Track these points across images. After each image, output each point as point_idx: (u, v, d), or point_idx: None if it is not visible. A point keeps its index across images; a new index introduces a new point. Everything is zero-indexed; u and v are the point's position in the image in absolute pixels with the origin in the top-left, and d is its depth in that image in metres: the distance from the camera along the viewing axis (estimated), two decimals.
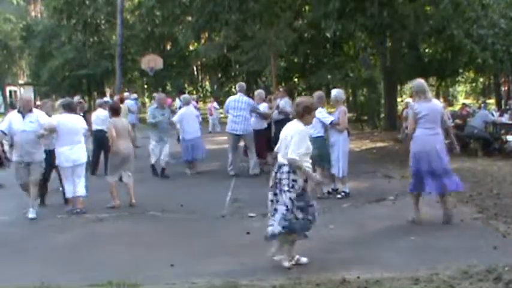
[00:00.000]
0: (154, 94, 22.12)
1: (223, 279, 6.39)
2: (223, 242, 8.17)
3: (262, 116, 14.57)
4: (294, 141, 6.60)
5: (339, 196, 10.88)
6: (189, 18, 34.51)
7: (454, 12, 16.50)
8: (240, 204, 10.69)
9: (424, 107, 8.49)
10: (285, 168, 6.69)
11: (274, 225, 6.78)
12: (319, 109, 10.30)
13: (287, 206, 6.69)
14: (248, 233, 8.57)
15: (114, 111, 11.54)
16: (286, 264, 6.82)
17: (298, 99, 7.15)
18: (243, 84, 14.91)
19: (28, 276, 6.86)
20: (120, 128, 11.05)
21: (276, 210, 6.83)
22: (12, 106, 19.58)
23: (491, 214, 9.01)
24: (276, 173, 6.83)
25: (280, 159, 6.80)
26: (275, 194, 6.85)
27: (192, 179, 14.01)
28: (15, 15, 48.07)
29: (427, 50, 25.96)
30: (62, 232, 9.06)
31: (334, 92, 11.20)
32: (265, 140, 14.56)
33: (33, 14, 53.72)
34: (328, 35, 20.24)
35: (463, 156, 14.48)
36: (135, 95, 30.11)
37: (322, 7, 18.90)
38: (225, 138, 15.28)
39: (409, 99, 20.05)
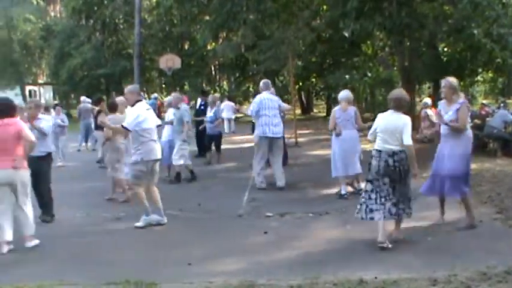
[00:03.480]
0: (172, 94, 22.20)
1: (240, 278, 6.39)
2: (241, 242, 8.18)
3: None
4: (407, 130, 7.37)
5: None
6: (207, 18, 34.57)
7: (473, 12, 16.34)
8: (257, 204, 10.68)
9: None
10: (403, 155, 7.38)
11: (405, 210, 7.62)
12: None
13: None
14: (265, 232, 8.58)
15: (113, 108, 11.86)
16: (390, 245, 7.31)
17: (396, 93, 7.80)
18: (269, 81, 13.21)
19: (47, 273, 6.92)
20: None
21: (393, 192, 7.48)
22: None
23: (510, 215, 8.94)
24: (383, 160, 7.42)
25: (390, 146, 7.41)
26: (390, 177, 7.42)
27: (209, 179, 14.01)
28: (35, 16, 48.39)
29: (445, 50, 25.78)
30: (81, 230, 9.11)
31: (346, 93, 11.24)
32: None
33: (52, 14, 54.10)
34: (346, 34, 20.10)
35: (482, 156, 14.38)
36: (155, 95, 30.20)
37: (340, 6, 18.82)
38: (242, 137, 15.18)
39: (427, 100, 19.96)
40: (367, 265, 6.72)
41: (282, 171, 12.47)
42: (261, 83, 12.98)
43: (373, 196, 7.53)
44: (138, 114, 9.05)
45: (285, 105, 13.52)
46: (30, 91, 52.85)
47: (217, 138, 16.73)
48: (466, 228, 8.18)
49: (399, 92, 7.85)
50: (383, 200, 7.47)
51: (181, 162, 13.43)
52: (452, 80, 8.56)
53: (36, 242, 8.24)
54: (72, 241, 8.51)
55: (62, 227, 9.38)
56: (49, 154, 9.91)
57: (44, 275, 6.81)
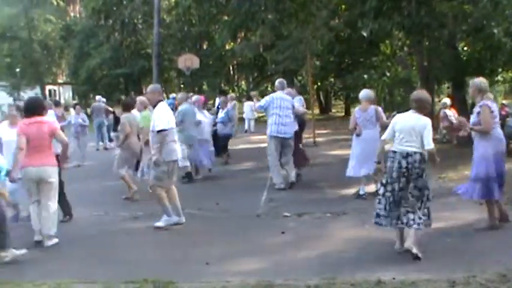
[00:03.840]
0: (191, 94, 22.23)
1: (258, 278, 6.39)
2: (258, 241, 8.18)
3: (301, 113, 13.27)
4: (429, 133, 7.13)
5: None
6: (225, 18, 34.61)
7: (493, 10, 16.22)
8: (275, 204, 10.68)
9: (495, 106, 8.28)
10: (418, 157, 7.11)
11: (422, 219, 7.16)
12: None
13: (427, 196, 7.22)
14: (283, 232, 8.58)
15: (127, 107, 11.93)
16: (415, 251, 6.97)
17: (419, 94, 7.57)
18: (284, 80, 13.10)
19: (66, 271, 6.99)
20: (132, 123, 11.62)
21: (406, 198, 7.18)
22: (56, 104, 19.88)
23: None
24: (396, 161, 7.19)
25: (406, 148, 7.16)
26: (403, 182, 7.15)
27: (227, 179, 14.04)
28: (55, 16, 48.73)
29: (465, 49, 25.61)
30: (99, 228, 9.17)
31: (366, 92, 11.20)
32: (297, 143, 13.36)
33: (72, 14, 54.41)
34: (364, 34, 20.05)
35: None
36: (173, 95, 30.26)
37: (359, 6, 18.79)
38: (260, 137, 15.14)
39: (447, 100, 19.84)
40: (385, 266, 6.69)
41: (293, 169, 12.50)
42: (277, 82, 12.97)
43: (382, 201, 7.29)
44: (165, 114, 9.03)
45: (300, 109, 13.20)
46: (50, 91, 53.26)
47: (225, 139, 16.64)
48: (486, 229, 8.11)
49: (422, 93, 7.67)
50: (392, 206, 7.19)
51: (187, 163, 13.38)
52: (477, 80, 8.46)
53: (55, 241, 8.31)
54: (90, 240, 8.56)
55: (79, 226, 9.43)
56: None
57: (63, 273, 6.87)
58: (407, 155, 7.11)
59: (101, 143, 22.26)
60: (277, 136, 12.24)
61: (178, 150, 9.38)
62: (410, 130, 7.18)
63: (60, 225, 9.47)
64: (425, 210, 7.20)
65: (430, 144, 7.10)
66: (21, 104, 11.43)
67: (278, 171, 12.41)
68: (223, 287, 6.23)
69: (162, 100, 9.32)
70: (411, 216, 7.11)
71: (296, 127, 12.60)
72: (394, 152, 7.27)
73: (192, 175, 13.61)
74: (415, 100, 7.39)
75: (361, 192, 10.94)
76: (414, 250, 6.91)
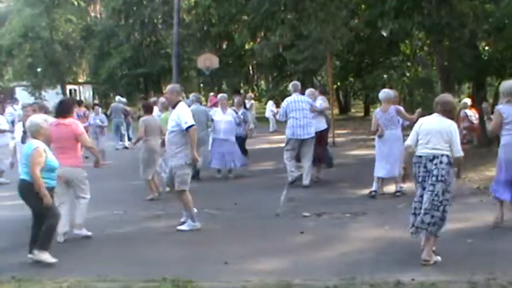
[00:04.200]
0: (210, 93, 22.32)
1: (277, 278, 6.40)
2: (277, 241, 8.18)
3: (320, 113, 13.18)
4: (456, 139, 7.00)
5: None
6: (245, 18, 34.61)
7: None
8: (295, 204, 10.68)
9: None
10: (445, 159, 6.95)
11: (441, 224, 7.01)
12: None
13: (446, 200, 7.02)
14: (302, 232, 8.58)
15: (148, 109, 11.99)
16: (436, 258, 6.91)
17: (444, 97, 7.47)
18: (298, 83, 13.37)
19: (86, 269, 7.06)
20: (153, 125, 11.59)
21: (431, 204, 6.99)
22: (78, 103, 20.08)
23: None
24: (422, 165, 7.06)
25: (431, 151, 7.00)
26: (428, 186, 7.01)
27: (246, 178, 14.06)
28: (76, 16, 49.03)
29: (486, 49, 25.40)
30: (119, 228, 9.22)
31: (385, 93, 11.17)
32: (326, 142, 13.53)
33: (92, 14, 54.72)
34: (384, 34, 19.96)
35: None
36: (193, 94, 30.33)
37: (379, 6, 18.70)
38: (282, 137, 15.10)
39: (467, 100, 19.71)
40: (405, 267, 6.66)
41: (309, 172, 12.51)
42: (290, 85, 13.21)
43: (412, 210, 7.23)
44: (189, 112, 8.91)
45: (320, 106, 13.19)
46: (70, 90, 53.61)
47: (239, 140, 16.33)
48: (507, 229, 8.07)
49: (446, 96, 7.54)
50: (417, 211, 7.09)
51: None
52: (504, 83, 8.47)
53: (85, 232, 8.56)
54: (110, 238, 8.62)
55: (99, 224, 9.48)
56: None
57: (83, 271, 6.94)
58: (433, 157, 6.97)
59: (120, 143, 22.38)
60: (297, 138, 12.40)
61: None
62: (436, 133, 7.03)
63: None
64: (444, 214, 7.03)
65: (459, 152, 6.98)
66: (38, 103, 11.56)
67: (292, 163, 12.56)
68: (242, 287, 6.24)
69: (181, 100, 9.18)
70: (426, 220, 6.97)
71: (324, 125, 13.01)
72: (420, 156, 7.11)
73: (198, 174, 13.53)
74: (440, 103, 7.26)
75: (373, 189, 11.00)
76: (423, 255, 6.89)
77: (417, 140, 7.20)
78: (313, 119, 12.65)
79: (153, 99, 17.50)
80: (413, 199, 7.27)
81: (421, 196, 7.05)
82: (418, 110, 11.32)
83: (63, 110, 8.71)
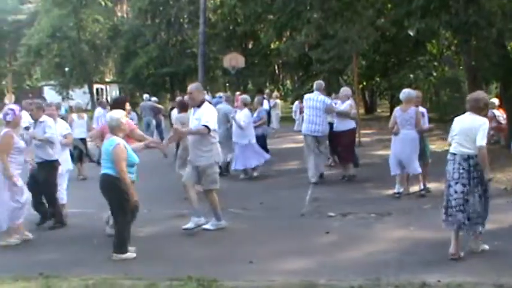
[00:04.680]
0: (237, 93, 22.36)
1: (301, 277, 6.41)
2: (302, 241, 8.18)
3: (344, 115, 13.18)
4: (482, 132, 6.94)
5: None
6: (271, 17, 34.63)
7: None
8: (320, 204, 10.67)
9: None
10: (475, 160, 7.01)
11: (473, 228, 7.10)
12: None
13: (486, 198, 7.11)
14: (327, 232, 8.57)
15: (183, 107, 11.94)
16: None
17: (474, 95, 7.47)
18: (321, 82, 13.55)
19: (112, 266, 7.15)
20: (187, 123, 11.45)
21: (467, 201, 7.08)
22: (101, 103, 20.27)
23: None
24: (457, 163, 7.13)
25: (465, 149, 7.07)
26: (464, 185, 7.08)
27: (271, 178, 14.06)
28: (103, 16, 49.46)
29: None
30: (144, 226, 9.27)
31: (406, 93, 11.11)
32: (351, 142, 13.44)
33: (119, 14, 55.13)
34: (411, 33, 19.84)
35: None
36: (220, 94, 30.44)
37: (406, 5, 18.58)
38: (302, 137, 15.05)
39: (495, 100, 19.49)
40: (430, 268, 6.63)
41: (316, 169, 12.79)
42: (315, 83, 13.40)
43: (443, 204, 7.30)
44: (215, 114, 8.88)
45: (346, 108, 13.25)
46: (97, 89, 54.13)
47: (259, 139, 16.23)
48: None
49: (478, 93, 7.54)
50: (453, 210, 7.12)
51: None
52: None
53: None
54: (135, 237, 8.68)
55: None
56: (48, 162, 9.37)
57: (109, 269, 7.03)
58: (468, 157, 7.01)
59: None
60: (306, 134, 12.81)
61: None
62: (466, 131, 7.07)
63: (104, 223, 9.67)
64: (485, 212, 7.13)
65: (480, 141, 6.90)
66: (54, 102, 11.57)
67: (312, 165, 12.73)
68: (267, 286, 6.26)
69: (205, 99, 9.15)
70: (466, 222, 7.05)
71: (347, 126, 13.05)
72: (454, 154, 7.17)
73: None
74: (471, 100, 7.27)
75: (396, 191, 10.98)
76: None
77: (453, 137, 7.31)
78: (335, 118, 13.11)
79: (178, 98, 17.55)
80: (445, 194, 7.32)
81: (456, 192, 7.12)
82: (431, 126, 11.57)
83: (117, 106, 8.86)
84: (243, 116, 13.85)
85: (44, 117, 9.43)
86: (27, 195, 8.77)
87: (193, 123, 8.90)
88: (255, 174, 14.12)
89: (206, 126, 8.57)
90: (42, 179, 9.25)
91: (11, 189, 8.36)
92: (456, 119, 7.41)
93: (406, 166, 10.83)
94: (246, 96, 14.85)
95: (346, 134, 13.05)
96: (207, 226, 8.97)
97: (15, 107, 8.88)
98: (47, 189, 9.36)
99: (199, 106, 8.87)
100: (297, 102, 30.16)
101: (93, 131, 10.08)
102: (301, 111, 28.91)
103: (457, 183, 7.09)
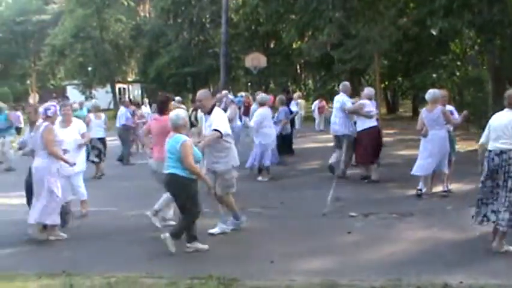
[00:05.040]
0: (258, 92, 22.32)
1: (323, 277, 6.40)
2: (324, 241, 8.17)
3: (357, 114, 13.10)
4: None
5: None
6: (293, 16, 34.64)
7: None
8: (341, 203, 10.64)
9: None
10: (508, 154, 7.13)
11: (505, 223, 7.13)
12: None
13: None
14: (349, 232, 8.55)
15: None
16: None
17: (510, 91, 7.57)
18: (346, 83, 13.72)
19: (133, 265, 7.19)
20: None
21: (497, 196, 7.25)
22: (124, 103, 20.44)
23: None
24: (490, 159, 7.29)
25: (500, 145, 7.21)
26: (495, 181, 7.25)
27: (292, 178, 14.06)
28: (126, 16, 49.76)
29: None
30: (166, 224, 9.31)
31: (431, 93, 11.04)
32: (371, 141, 13.00)
33: (142, 14, 55.47)
34: (433, 32, 19.77)
35: None
36: (242, 93, 30.51)
37: (428, 4, 18.53)
38: (327, 136, 15.10)
39: None
40: (453, 269, 6.58)
41: (337, 161, 13.49)
42: (340, 85, 13.94)
43: (478, 197, 7.47)
44: (226, 118, 8.84)
45: (351, 106, 13.22)
46: (119, 89, 54.42)
47: (281, 138, 15.90)
48: None
49: None
50: (485, 205, 7.30)
51: None
52: None
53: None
54: (157, 235, 8.72)
55: (148, 221, 9.61)
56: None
57: (130, 267, 7.08)
58: (500, 152, 7.13)
59: None
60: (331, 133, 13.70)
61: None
62: (503, 128, 7.19)
63: (128, 221, 9.74)
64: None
65: None
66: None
67: (333, 157, 13.57)
68: (288, 286, 6.26)
69: (215, 105, 9.06)
70: (499, 215, 7.15)
71: (369, 125, 12.88)
72: (490, 150, 7.32)
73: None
74: (508, 96, 7.41)
75: (419, 188, 10.92)
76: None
77: (489, 136, 7.42)
78: (358, 117, 13.12)
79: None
80: (480, 189, 7.47)
81: (492, 189, 7.26)
82: (464, 113, 11.25)
83: (162, 106, 9.21)
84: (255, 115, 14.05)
85: (40, 122, 9.09)
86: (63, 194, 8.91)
87: (207, 131, 8.76)
88: (260, 178, 13.83)
89: (217, 130, 8.45)
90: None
91: (51, 186, 8.51)
92: (494, 116, 7.52)
93: (436, 166, 10.75)
94: (263, 96, 14.76)
95: (362, 133, 12.91)
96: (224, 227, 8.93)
97: (55, 104, 9.19)
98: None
99: (209, 113, 8.71)
100: (316, 102, 30.14)
101: (145, 130, 10.08)
102: (320, 111, 29.07)
103: (489, 178, 7.26)
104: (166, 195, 8.88)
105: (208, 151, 8.71)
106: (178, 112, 8.05)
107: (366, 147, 12.84)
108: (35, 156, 8.66)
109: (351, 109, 13.11)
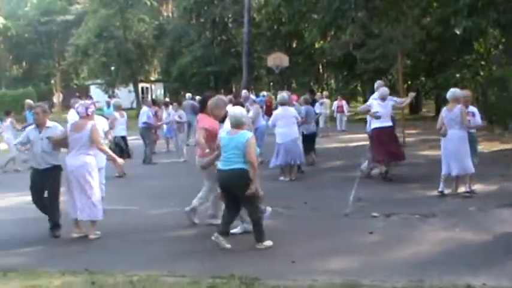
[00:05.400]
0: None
1: (344, 277, 6.39)
2: (345, 241, 8.16)
3: (367, 114, 13.49)
4: None
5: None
6: (315, 16, 34.60)
7: None
8: (363, 204, 10.61)
9: None
10: None
11: None
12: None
13: None
14: (371, 232, 8.52)
15: (237, 105, 11.93)
16: None
17: None
18: (382, 88, 13.49)
19: (156, 263, 7.25)
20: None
21: None
22: (146, 102, 20.62)
23: None
24: None
25: None
26: None
27: (315, 177, 14.04)
28: (149, 16, 50.05)
29: None
30: (185, 224, 9.34)
31: (451, 93, 10.99)
32: (384, 140, 12.99)
33: (165, 14, 55.75)
34: (457, 32, 19.65)
35: None
36: (264, 93, 30.55)
37: (452, 3, 18.42)
38: (350, 136, 15.07)
39: None
40: (476, 271, 6.53)
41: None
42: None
43: None
44: None
45: (362, 107, 13.53)
46: (142, 88, 54.74)
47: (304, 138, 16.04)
48: None
49: None
50: None
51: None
52: None
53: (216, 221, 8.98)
54: (180, 235, 8.78)
55: (169, 220, 9.68)
56: (56, 166, 9.01)
57: (152, 265, 7.14)
58: None
59: (191, 140, 22.67)
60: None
61: None
62: None
63: (148, 220, 9.80)
64: None
65: None
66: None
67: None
68: (310, 286, 6.26)
69: (227, 113, 8.71)
70: None
71: (385, 125, 12.95)
72: None
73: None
74: None
75: (440, 189, 10.91)
76: None
77: None
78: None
79: (228, 97, 17.69)
80: None
81: None
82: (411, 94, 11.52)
83: (204, 105, 9.37)
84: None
85: (49, 123, 9.11)
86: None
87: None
88: (281, 178, 13.79)
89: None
90: (51, 183, 8.98)
91: (95, 181, 8.84)
92: None
93: (456, 166, 10.70)
94: (282, 95, 14.71)
95: (372, 133, 13.15)
96: (234, 231, 8.72)
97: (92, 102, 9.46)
98: (55, 193, 9.08)
99: (223, 121, 8.73)
100: (336, 102, 30.07)
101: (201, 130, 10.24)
102: (339, 110, 29.01)
103: None
104: (204, 193, 9.09)
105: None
106: (241, 110, 8.26)
107: (377, 145, 12.93)
108: (72, 154, 8.77)
109: (361, 110, 13.34)
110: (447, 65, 29.82)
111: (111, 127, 12.55)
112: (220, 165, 8.10)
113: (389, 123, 13.00)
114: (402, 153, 13.24)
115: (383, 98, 13.05)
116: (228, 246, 7.78)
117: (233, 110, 8.28)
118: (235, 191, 7.90)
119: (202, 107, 9.47)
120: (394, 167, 13.40)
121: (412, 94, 14.24)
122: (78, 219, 8.80)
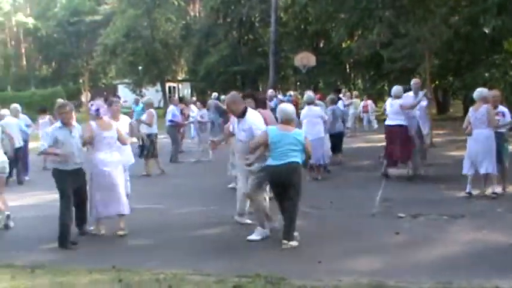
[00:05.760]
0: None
1: (370, 278, 6.37)
2: (372, 241, 8.13)
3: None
4: None
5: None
6: (342, 16, 34.44)
7: None
8: (390, 204, 10.56)
9: None
10: None
11: None
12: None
13: None
14: (397, 233, 8.48)
15: (261, 103, 11.85)
16: None
17: None
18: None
19: (181, 262, 7.30)
20: (267, 118, 11.50)
21: None
22: (173, 101, 20.74)
23: None
24: None
25: None
26: None
27: (342, 177, 14.00)
28: (176, 15, 50.30)
29: None
30: (213, 223, 9.38)
31: (478, 92, 10.91)
32: (389, 138, 13.09)
33: (192, 13, 55.97)
34: (486, 31, 19.44)
35: None
36: (291, 92, 30.53)
37: (481, 2, 18.23)
38: (378, 136, 15.00)
39: None
40: (504, 273, 6.47)
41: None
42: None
43: None
44: (260, 119, 8.74)
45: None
46: (169, 87, 55.05)
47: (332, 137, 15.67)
48: None
49: None
50: None
51: None
52: None
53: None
54: (206, 234, 8.82)
55: (195, 219, 9.73)
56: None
57: (177, 264, 7.19)
58: None
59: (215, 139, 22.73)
60: None
61: None
62: None
63: (174, 219, 9.85)
64: None
65: None
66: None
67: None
68: (335, 286, 6.25)
69: (247, 107, 8.78)
70: None
71: (397, 123, 12.97)
72: None
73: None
74: None
75: (467, 190, 10.83)
76: None
77: None
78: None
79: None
80: None
81: None
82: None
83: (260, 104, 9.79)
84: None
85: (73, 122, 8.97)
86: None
87: (240, 134, 8.63)
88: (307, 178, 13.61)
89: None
90: (83, 180, 8.96)
91: (123, 180, 9.25)
92: None
93: (480, 166, 10.62)
94: (308, 95, 14.63)
95: (387, 129, 13.37)
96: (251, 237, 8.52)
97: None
98: (86, 190, 9.02)
99: (241, 116, 8.58)
100: (362, 102, 29.95)
101: (227, 131, 10.39)
102: (364, 109, 28.90)
103: None
104: (242, 194, 9.01)
105: (244, 154, 8.56)
106: (291, 107, 8.54)
107: (395, 144, 12.95)
108: (109, 152, 8.95)
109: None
110: (475, 64, 29.49)
111: (149, 124, 12.87)
112: (271, 160, 8.04)
113: (397, 122, 12.93)
114: (406, 155, 13.03)
115: (396, 97, 13.09)
116: (296, 244, 7.89)
117: (284, 106, 8.53)
118: (289, 184, 7.98)
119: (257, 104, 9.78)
120: (425, 167, 13.44)
121: (422, 92, 13.99)
122: (105, 216, 8.95)
